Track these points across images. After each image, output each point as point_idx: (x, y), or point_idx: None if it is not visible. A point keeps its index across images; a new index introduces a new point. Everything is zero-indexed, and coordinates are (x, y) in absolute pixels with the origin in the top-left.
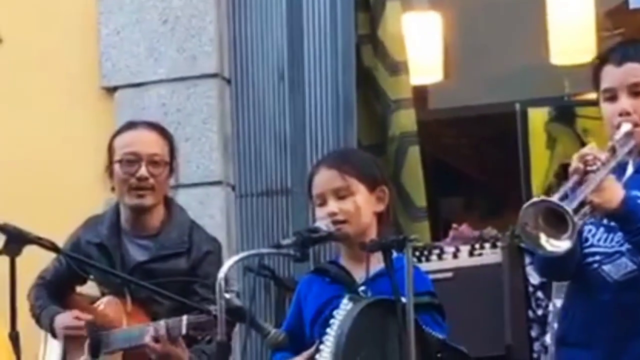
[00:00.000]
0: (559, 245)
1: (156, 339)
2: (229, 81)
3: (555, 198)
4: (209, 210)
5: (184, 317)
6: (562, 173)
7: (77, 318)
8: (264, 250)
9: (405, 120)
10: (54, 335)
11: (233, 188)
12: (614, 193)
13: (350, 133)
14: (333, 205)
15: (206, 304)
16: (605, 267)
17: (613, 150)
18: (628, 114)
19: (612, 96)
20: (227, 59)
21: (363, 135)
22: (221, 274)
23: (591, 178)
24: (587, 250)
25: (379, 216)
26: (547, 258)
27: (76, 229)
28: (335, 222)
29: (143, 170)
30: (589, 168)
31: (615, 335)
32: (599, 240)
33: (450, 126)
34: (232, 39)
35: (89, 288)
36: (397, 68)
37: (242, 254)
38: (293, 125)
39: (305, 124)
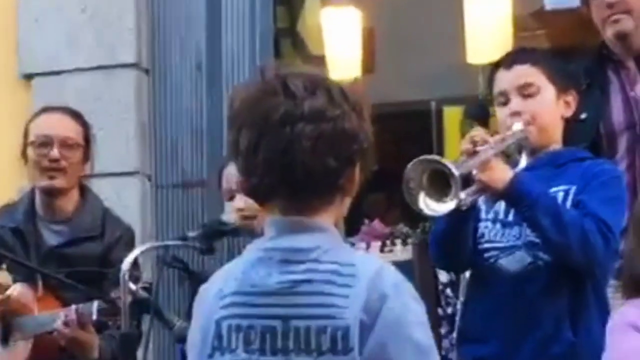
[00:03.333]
0: (437, 209)
1: (66, 324)
2: (147, 71)
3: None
4: (124, 200)
5: (95, 303)
6: None
7: None
8: (170, 242)
9: None
10: None
11: (149, 178)
12: (501, 173)
13: None
14: None
15: (116, 289)
16: (502, 261)
17: (502, 140)
18: (519, 114)
19: (505, 101)
20: (145, 49)
21: None
22: (126, 264)
23: (478, 155)
24: (483, 246)
25: None
26: (435, 239)
27: None
28: (243, 217)
29: (55, 152)
30: (477, 148)
31: (513, 327)
32: (495, 235)
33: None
34: (151, 29)
35: None
36: (315, 63)
37: (147, 245)
38: (210, 117)
39: (223, 117)
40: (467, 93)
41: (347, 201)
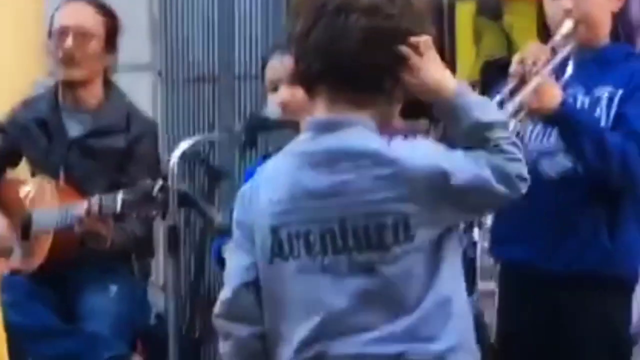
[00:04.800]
0: None
1: (87, 212)
2: None
3: (493, 102)
4: (134, 95)
5: (119, 193)
6: (487, 70)
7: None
8: (215, 135)
9: None
10: None
11: (160, 73)
12: (552, 96)
13: (278, 22)
14: None
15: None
16: (543, 164)
17: (553, 51)
18: (570, 11)
19: None
20: None
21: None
22: (174, 157)
23: (529, 81)
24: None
25: None
26: None
27: (13, 108)
28: (285, 110)
29: (69, 42)
30: (527, 70)
31: (549, 232)
32: (536, 136)
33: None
34: None
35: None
36: None
37: (195, 138)
38: (222, 12)
39: (234, 11)
40: None
41: (394, 108)
